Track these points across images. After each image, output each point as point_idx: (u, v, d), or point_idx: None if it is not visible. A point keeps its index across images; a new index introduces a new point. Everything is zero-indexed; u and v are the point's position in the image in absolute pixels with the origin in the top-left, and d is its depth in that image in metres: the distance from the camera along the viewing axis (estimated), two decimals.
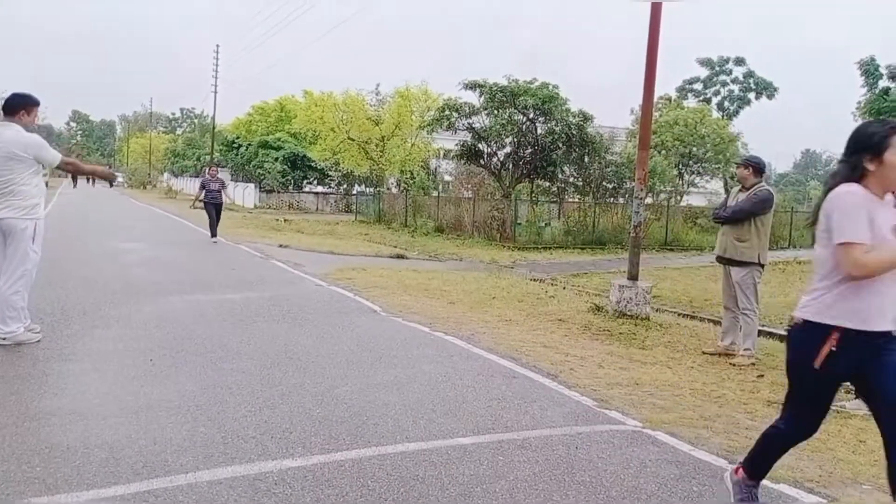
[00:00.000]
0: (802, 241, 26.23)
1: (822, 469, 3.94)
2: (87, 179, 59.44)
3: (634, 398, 5.17)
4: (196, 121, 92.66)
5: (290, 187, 42.05)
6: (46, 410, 4.21)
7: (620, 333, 7.73)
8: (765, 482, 3.69)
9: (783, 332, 8.85)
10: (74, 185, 53.74)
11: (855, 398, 5.29)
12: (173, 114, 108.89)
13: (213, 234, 16.37)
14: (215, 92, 44.19)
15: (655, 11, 8.93)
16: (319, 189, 44.27)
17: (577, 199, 26.21)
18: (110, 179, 6.09)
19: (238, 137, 49.31)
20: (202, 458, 3.60)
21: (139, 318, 7.13)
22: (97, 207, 30.56)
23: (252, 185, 41.38)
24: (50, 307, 7.35)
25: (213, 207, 16.40)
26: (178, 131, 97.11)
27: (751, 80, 42.32)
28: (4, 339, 5.64)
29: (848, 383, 5.72)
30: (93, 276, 9.93)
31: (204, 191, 16.54)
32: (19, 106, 5.80)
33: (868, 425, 4.80)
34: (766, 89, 42.35)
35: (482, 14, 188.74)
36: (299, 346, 6.22)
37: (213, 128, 49.05)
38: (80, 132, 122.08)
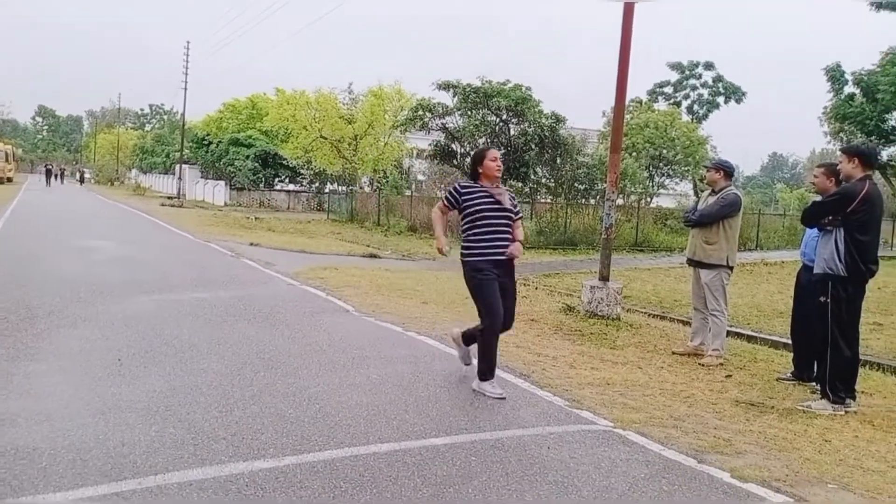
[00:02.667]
0: (770, 242, 26.72)
1: (788, 468, 4.01)
2: (55, 177, 58.32)
3: (605, 398, 5.22)
4: (166, 117, 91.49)
5: (261, 185, 41.67)
6: (12, 411, 4.12)
7: (592, 334, 7.79)
8: (732, 481, 3.76)
9: (751, 333, 9.01)
10: (48, 184, 52.67)
11: (820, 398, 5.41)
12: (142, 110, 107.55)
13: (487, 375, 5.09)
14: (185, 88, 43.55)
15: (627, 18, 9.02)
16: (291, 187, 43.89)
17: (549, 200, 26.34)
18: None
19: (209, 134, 48.66)
20: (172, 460, 3.56)
21: (107, 317, 7.02)
22: (64, 204, 29.99)
23: (222, 183, 40.93)
24: (15, 306, 7.21)
25: (498, 283, 5.09)
26: (147, 127, 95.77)
27: (720, 85, 42.97)
28: None
29: (814, 383, 5.87)
30: (59, 274, 9.74)
31: (466, 219, 5.17)
32: None
33: (833, 425, 4.91)
34: (734, 93, 43.04)
35: (458, 15, 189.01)
36: (271, 346, 6.17)
37: (183, 125, 48.35)
38: (46, 127, 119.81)
